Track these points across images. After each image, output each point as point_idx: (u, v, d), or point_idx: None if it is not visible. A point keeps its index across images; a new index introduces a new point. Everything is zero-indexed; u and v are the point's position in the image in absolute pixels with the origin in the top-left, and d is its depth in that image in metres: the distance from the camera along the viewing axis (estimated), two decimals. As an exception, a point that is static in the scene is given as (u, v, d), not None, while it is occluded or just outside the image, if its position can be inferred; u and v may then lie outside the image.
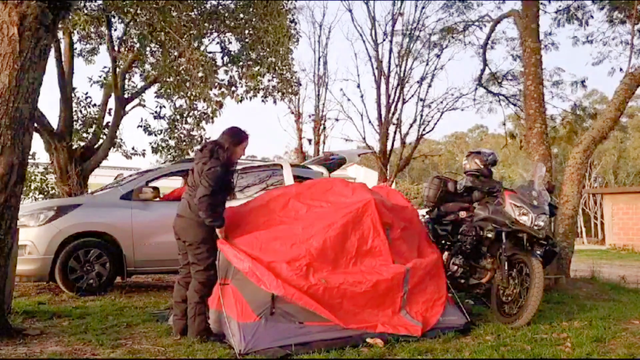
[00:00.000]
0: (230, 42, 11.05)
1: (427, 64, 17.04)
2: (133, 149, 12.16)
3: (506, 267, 5.01)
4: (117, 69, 10.30)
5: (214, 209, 4.05)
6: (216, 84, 10.68)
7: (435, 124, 18.08)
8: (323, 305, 3.90)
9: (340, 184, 4.83)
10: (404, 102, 17.61)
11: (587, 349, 3.93)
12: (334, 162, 7.63)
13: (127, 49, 10.78)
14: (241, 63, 10.90)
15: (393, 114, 17.54)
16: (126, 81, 11.22)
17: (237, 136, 4.27)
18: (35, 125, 7.11)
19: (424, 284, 4.51)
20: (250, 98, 11.47)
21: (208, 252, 4.16)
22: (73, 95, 10.95)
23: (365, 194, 4.58)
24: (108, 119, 11.01)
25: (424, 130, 17.56)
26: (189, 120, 12.03)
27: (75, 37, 10.86)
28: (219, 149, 4.15)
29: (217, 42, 11.06)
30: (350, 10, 28.24)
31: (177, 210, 4.31)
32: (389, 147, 17.57)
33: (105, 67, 11.12)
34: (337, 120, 19.72)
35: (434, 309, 4.47)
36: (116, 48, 10.14)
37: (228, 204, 4.36)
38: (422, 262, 4.56)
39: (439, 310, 4.48)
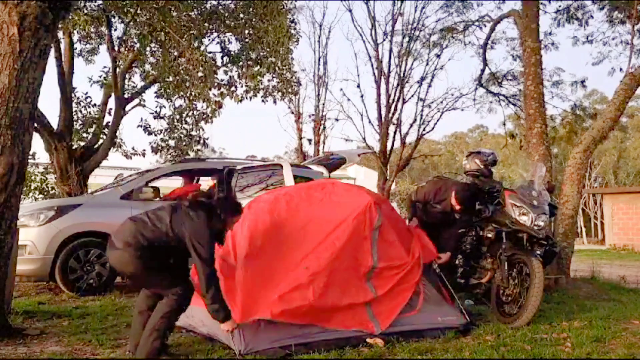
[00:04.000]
0: (230, 42, 11.09)
1: (427, 64, 17.00)
2: (133, 149, 12.19)
3: (506, 267, 5.01)
4: (117, 69, 10.29)
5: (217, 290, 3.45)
6: (216, 84, 10.68)
7: (435, 124, 18.08)
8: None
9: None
10: (404, 102, 17.58)
11: (587, 349, 3.93)
12: (334, 162, 7.63)
13: (127, 49, 10.78)
14: (241, 63, 10.91)
15: (393, 114, 17.52)
16: (126, 81, 11.22)
17: (236, 208, 3.75)
18: (35, 125, 7.10)
19: (394, 291, 4.28)
20: (250, 98, 11.48)
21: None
22: (73, 95, 10.94)
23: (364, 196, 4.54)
24: (108, 119, 11.01)
25: (424, 130, 17.53)
26: (188, 120, 12.04)
27: (75, 37, 10.87)
28: (215, 214, 3.57)
29: (217, 42, 11.09)
30: (350, 10, 28.09)
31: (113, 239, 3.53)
32: (389, 147, 17.54)
33: (105, 67, 11.15)
34: (337, 120, 19.61)
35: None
36: (116, 48, 10.13)
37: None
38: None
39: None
